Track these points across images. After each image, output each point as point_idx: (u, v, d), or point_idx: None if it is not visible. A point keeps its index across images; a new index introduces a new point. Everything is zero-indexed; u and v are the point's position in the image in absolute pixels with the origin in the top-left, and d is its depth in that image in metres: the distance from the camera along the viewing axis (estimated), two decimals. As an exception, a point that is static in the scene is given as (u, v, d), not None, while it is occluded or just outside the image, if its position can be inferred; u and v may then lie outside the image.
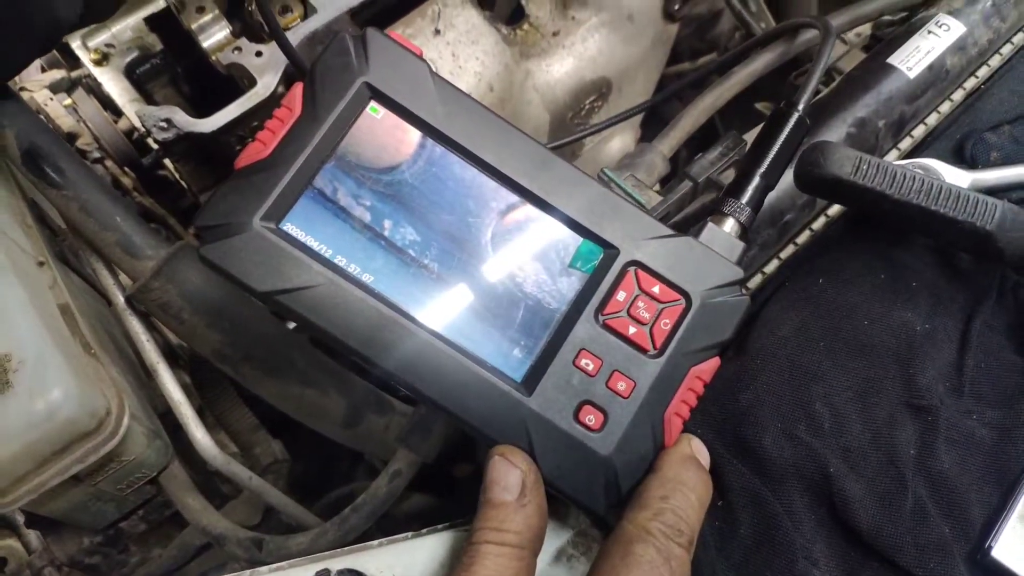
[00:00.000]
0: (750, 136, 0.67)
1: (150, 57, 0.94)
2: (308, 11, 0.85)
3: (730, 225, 0.53)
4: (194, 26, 0.83)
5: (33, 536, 0.71)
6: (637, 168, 0.68)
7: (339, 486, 0.93)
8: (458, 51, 0.89)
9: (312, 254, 0.50)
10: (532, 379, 0.50)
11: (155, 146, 0.94)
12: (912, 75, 0.67)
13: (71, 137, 0.99)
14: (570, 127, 0.99)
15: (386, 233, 0.51)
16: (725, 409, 0.54)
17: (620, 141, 1.06)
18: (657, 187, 0.69)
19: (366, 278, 0.50)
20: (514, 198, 0.52)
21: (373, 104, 0.52)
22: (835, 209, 0.66)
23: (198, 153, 0.84)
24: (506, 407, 0.49)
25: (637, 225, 0.51)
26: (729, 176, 0.64)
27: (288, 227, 0.50)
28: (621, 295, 0.51)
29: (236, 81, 0.85)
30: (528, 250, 0.52)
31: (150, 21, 0.91)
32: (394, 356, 0.49)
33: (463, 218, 0.51)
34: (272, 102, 0.81)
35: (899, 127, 0.67)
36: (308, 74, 0.51)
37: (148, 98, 0.95)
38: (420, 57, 0.52)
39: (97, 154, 0.99)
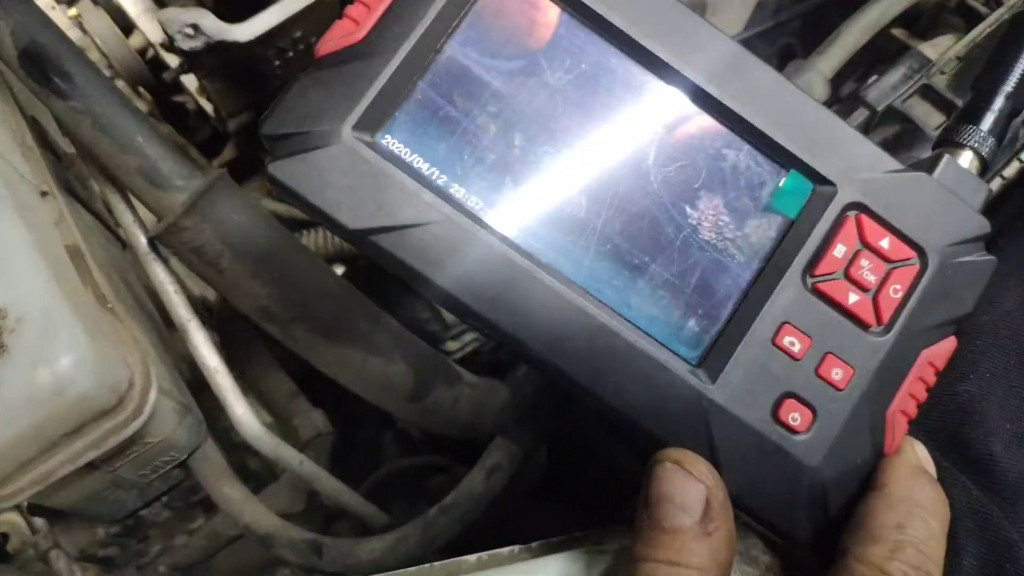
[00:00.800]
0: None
1: (168, -40, 0.80)
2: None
3: (968, 159, 0.41)
4: (225, -86, 0.69)
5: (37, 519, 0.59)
6: (792, 91, 0.54)
7: (364, 456, 0.82)
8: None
9: (421, 180, 0.37)
10: (714, 361, 0.38)
11: (176, 60, 0.81)
12: None
13: (76, 53, 0.85)
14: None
15: (517, 153, 0.38)
16: (941, 404, 0.42)
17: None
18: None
19: (490, 216, 0.37)
20: (692, 108, 0.39)
21: None
22: (1031, 152, 0.53)
23: (229, 69, 0.71)
24: (680, 397, 0.37)
25: (858, 154, 0.39)
26: (914, 105, 0.51)
27: (388, 141, 0.37)
28: (839, 250, 0.38)
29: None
30: (709, 181, 0.39)
31: (168, -84, 0.77)
32: (528, 321, 0.36)
33: (620, 133, 0.39)
34: (320, 7, 0.68)
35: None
36: None
37: (163, 8, 0.81)
38: None
39: (108, 73, 0.86)
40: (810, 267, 0.38)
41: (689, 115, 0.39)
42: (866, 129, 0.52)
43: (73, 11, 0.88)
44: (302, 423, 0.70)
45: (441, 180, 0.37)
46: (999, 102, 0.42)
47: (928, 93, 0.51)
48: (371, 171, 0.36)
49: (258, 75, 0.71)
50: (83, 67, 0.51)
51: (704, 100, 0.39)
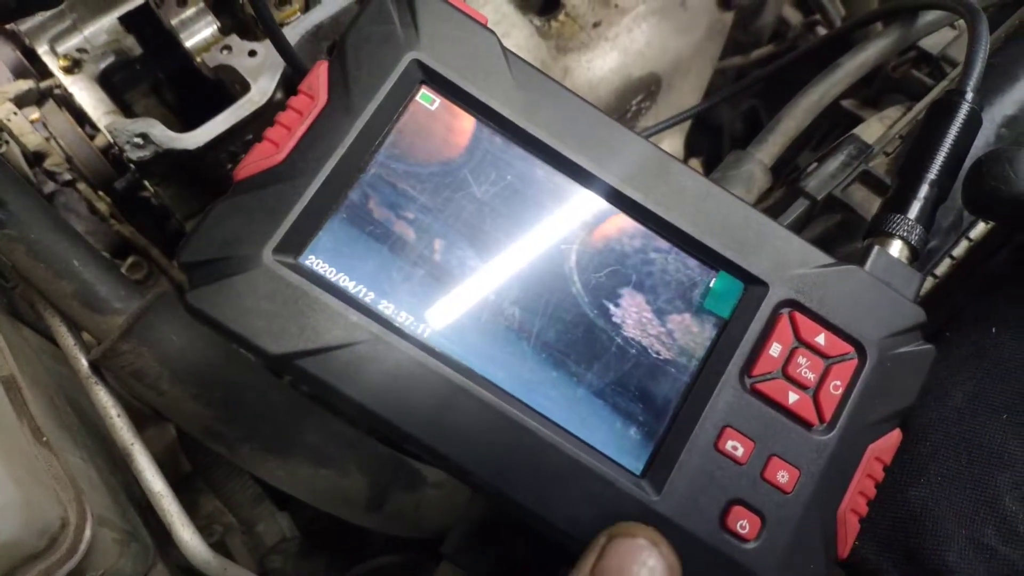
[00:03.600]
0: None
1: (128, 62, 0.81)
2: (310, 1, 0.72)
3: (898, 249, 0.41)
4: (175, 22, 0.69)
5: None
6: (733, 182, 0.54)
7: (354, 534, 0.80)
8: (487, 46, 0.76)
9: (347, 299, 0.37)
10: (658, 471, 0.37)
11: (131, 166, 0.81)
12: (1069, 60, 0.53)
13: (38, 157, 0.86)
14: (615, 132, 0.85)
15: (446, 266, 0.38)
16: (891, 510, 0.40)
17: (668, 146, 0.92)
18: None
19: (422, 331, 0.37)
20: (620, 217, 0.39)
21: (425, 91, 0.39)
22: (978, 231, 0.52)
23: (182, 174, 0.71)
24: (625, 513, 0.36)
25: (787, 251, 0.39)
26: (854, 192, 0.50)
27: (312, 261, 0.37)
28: (775, 348, 0.38)
29: (226, 87, 0.72)
30: (639, 285, 0.39)
31: (126, 20, 0.78)
32: (466, 442, 0.36)
33: (551, 244, 0.38)
34: (269, 110, 0.68)
35: (1055, 125, 0.54)
36: (337, 49, 0.38)
37: (127, 110, 0.82)
38: (486, 27, 0.39)
39: (68, 176, 0.86)
40: (747, 368, 0.38)
41: (614, 221, 0.39)
42: (808, 219, 0.51)
43: (36, 114, 0.88)
44: (266, 529, 0.68)
45: (368, 297, 0.37)
46: (924, 190, 0.42)
47: (868, 179, 0.51)
48: (293, 294, 0.36)
49: (211, 178, 0.71)
50: (17, 193, 0.51)
51: (628, 205, 0.39)
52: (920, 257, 0.42)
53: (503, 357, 0.37)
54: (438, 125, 0.39)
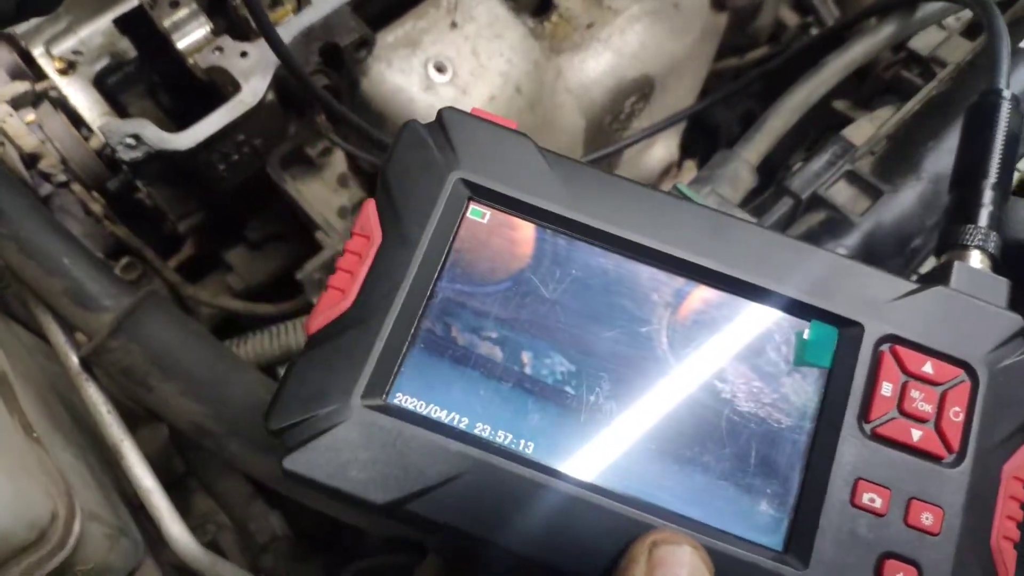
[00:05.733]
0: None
1: (123, 64, 0.81)
2: (302, 3, 0.72)
3: (978, 259, 0.40)
4: (167, 24, 0.70)
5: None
6: (718, 181, 0.55)
7: (347, 536, 0.80)
8: (479, 47, 0.76)
9: (442, 430, 0.35)
10: (800, 541, 0.35)
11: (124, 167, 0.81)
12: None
13: (33, 159, 0.86)
14: (608, 134, 0.85)
15: (530, 372, 0.37)
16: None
17: (663, 148, 0.93)
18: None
19: (524, 447, 0.36)
20: (692, 284, 0.38)
21: (474, 206, 0.39)
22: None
23: (175, 175, 0.71)
24: None
25: (869, 284, 0.37)
26: (839, 191, 0.50)
27: (400, 399, 0.36)
28: (885, 388, 0.36)
29: (219, 88, 0.72)
30: (731, 353, 0.38)
31: (120, 23, 0.78)
32: (595, 555, 0.34)
33: (628, 328, 0.38)
34: (261, 111, 0.68)
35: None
36: (381, 184, 0.38)
37: (122, 111, 0.82)
38: (518, 131, 0.39)
39: (63, 177, 0.86)
40: (864, 414, 0.36)
41: (691, 292, 0.38)
42: (791, 218, 0.51)
43: (31, 116, 0.89)
44: (258, 528, 0.69)
45: (463, 424, 0.36)
46: (988, 195, 0.41)
47: (852, 179, 0.51)
48: (388, 436, 0.35)
49: (203, 179, 0.71)
50: (8, 191, 0.51)
51: (703, 274, 0.38)
52: (1000, 264, 0.41)
53: (611, 458, 0.36)
54: (493, 236, 0.39)
